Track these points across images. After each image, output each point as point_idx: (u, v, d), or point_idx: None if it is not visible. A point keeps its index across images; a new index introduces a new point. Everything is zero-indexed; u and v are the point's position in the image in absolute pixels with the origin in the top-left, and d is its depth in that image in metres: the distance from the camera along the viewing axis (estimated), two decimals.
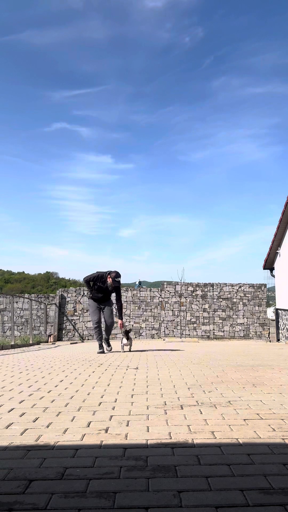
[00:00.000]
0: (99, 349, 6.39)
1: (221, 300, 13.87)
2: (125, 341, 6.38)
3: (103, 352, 6.29)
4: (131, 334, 6.68)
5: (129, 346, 6.47)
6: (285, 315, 13.55)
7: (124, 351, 6.39)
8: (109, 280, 6.42)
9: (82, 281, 6.62)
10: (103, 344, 6.57)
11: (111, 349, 6.63)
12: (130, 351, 6.17)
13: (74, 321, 13.64)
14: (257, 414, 2.16)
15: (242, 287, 13.98)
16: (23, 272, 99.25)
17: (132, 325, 13.63)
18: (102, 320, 6.71)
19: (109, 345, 6.72)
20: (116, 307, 6.85)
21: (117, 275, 6.45)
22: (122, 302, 6.73)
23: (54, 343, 11.40)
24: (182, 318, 13.76)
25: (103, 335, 6.67)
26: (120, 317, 6.59)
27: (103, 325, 6.72)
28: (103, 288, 6.48)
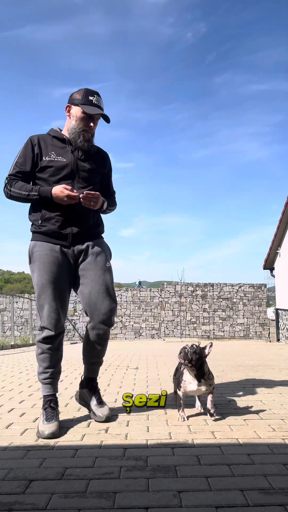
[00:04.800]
0: (45, 414, 1.90)
1: (221, 300, 13.87)
2: (190, 379, 2.01)
3: (54, 433, 1.79)
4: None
5: (209, 394, 2.05)
6: (285, 315, 13.54)
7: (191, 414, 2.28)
8: (77, 117, 2.13)
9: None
10: (79, 401, 2.21)
11: (107, 417, 2.02)
12: (213, 415, 2.02)
13: (74, 321, 13.63)
14: (257, 414, 2.16)
15: (242, 287, 13.98)
16: (23, 272, 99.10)
17: (132, 325, 13.63)
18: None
19: (101, 402, 2.10)
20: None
21: (88, 92, 2.12)
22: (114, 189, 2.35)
23: None
24: (182, 318, 13.75)
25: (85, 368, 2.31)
26: (102, 208, 2.13)
27: (78, 336, 2.67)
28: (70, 157, 2.08)
